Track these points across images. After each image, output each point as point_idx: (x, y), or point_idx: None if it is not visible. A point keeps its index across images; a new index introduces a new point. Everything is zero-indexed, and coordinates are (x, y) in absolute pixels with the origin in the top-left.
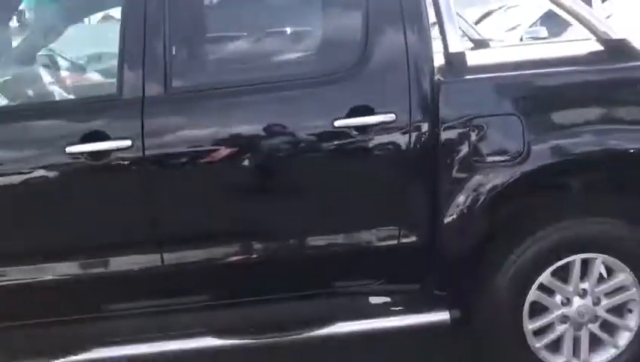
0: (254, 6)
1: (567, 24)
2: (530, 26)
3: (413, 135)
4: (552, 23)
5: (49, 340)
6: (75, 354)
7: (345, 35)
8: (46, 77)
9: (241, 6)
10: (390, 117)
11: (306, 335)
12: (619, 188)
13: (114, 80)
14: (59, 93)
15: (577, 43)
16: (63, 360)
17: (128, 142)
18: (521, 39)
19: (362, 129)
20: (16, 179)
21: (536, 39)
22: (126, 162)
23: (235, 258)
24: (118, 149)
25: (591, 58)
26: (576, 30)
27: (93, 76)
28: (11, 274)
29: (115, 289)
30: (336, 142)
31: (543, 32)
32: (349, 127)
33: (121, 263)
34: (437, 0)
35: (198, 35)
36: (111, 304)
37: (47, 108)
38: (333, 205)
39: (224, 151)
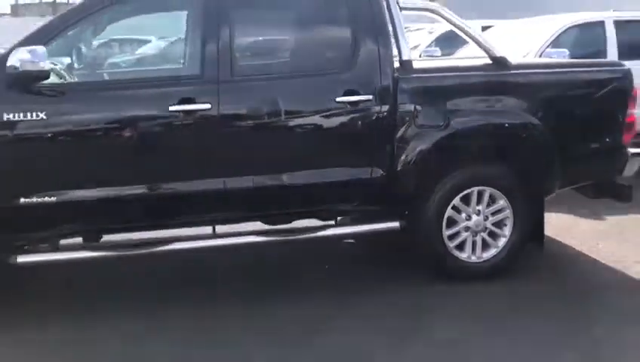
0: (288, 20)
1: (454, 46)
2: (427, 46)
3: (383, 109)
4: (444, 44)
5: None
6: (157, 246)
7: (342, 45)
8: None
9: (281, 20)
10: (369, 97)
11: (310, 235)
12: (499, 147)
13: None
14: (162, 70)
15: (473, 58)
16: (150, 249)
17: (209, 105)
18: (420, 56)
19: (352, 103)
20: (135, 125)
21: (433, 57)
22: (207, 118)
23: (269, 184)
24: (203, 110)
25: (484, 67)
26: (464, 50)
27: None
28: (127, 191)
29: (193, 203)
30: (336, 111)
31: (438, 52)
32: (344, 102)
33: (199, 185)
34: (394, 21)
35: (251, 37)
36: (190, 214)
37: (157, 80)
38: (333, 150)
39: (267, 113)
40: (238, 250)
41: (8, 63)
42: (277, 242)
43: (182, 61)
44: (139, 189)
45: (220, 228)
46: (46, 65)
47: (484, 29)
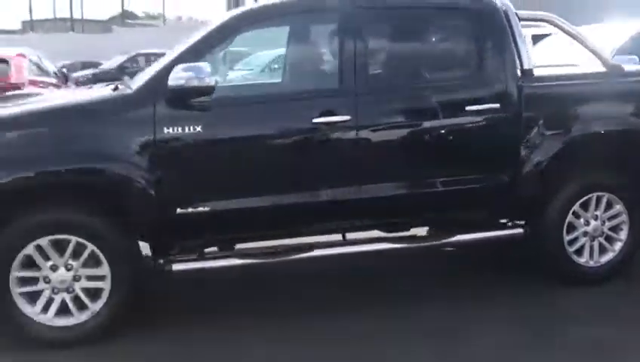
0: (417, 33)
1: None
2: None
3: (508, 117)
4: None
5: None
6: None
7: (469, 56)
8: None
9: (410, 33)
10: (496, 105)
11: (435, 243)
12: (618, 154)
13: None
14: (307, 83)
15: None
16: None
17: (348, 117)
18: None
19: (480, 112)
20: (281, 138)
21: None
22: (346, 129)
23: (401, 192)
24: (343, 121)
25: (601, 74)
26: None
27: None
28: (272, 200)
29: (328, 211)
30: (465, 120)
31: None
32: (473, 111)
33: (335, 193)
34: (514, 32)
35: (383, 50)
36: (324, 222)
37: (299, 94)
38: (461, 158)
39: (401, 123)
40: (355, 260)
41: (171, 81)
42: (399, 249)
43: (317, 74)
44: (284, 198)
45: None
46: (212, 81)
47: (536, 37)
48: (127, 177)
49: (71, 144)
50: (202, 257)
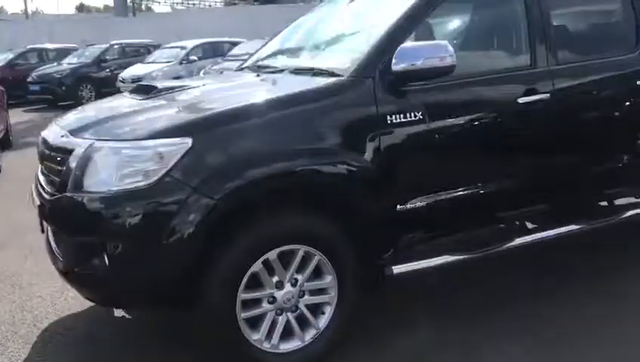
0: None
1: None
2: None
3: None
4: None
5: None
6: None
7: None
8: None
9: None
10: None
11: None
12: None
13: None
14: (506, 61)
15: None
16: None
17: (548, 95)
18: None
19: None
20: (495, 121)
21: None
22: (548, 105)
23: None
24: (542, 100)
25: None
26: None
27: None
28: (485, 189)
29: (526, 197)
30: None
31: None
32: None
33: (536, 176)
34: None
35: (564, 26)
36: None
37: (501, 77)
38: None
39: (590, 99)
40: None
41: (398, 63)
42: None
43: (512, 51)
44: (498, 187)
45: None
46: (454, 59)
47: None
48: (352, 174)
49: (291, 141)
50: (418, 257)
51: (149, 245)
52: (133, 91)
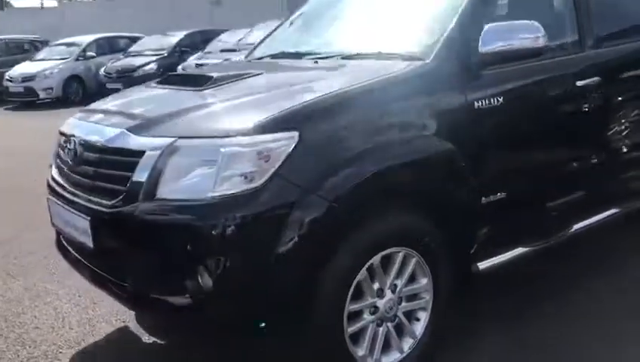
0: None
1: None
2: None
3: None
4: None
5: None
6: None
7: None
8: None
9: None
10: None
11: None
12: None
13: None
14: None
15: None
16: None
17: (598, 78)
18: None
19: None
20: (558, 103)
21: None
22: (599, 88)
23: None
24: (594, 82)
25: None
26: None
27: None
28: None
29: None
30: None
31: None
32: None
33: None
34: None
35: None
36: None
37: (561, 60)
38: None
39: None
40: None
41: (487, 44)
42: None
43: (560, 30)
44: (566, 171)
45: None
46: (545, 40)
47: None
48: (445, 166)
49: (393, 132)
50: (496, 251)
51: (259, 258)
52: (168, 82)
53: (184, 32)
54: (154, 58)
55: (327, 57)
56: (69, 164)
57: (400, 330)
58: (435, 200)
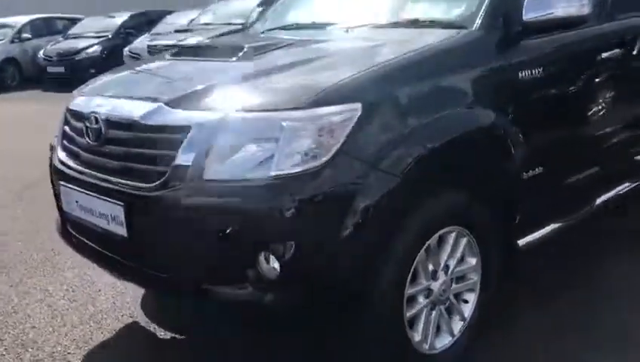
0: None
1: None
2: None
3: None
4: None
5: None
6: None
7: None
8: None
9: None
10: None
11: None
12: None
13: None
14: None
15: None
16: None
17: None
18: None
19: None
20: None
21: None
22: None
23: None
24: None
25: None
26: None
27: None
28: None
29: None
30: None
31: None
32: None
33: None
34: None
35: None
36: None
37: (588, 31)
38: None
39: None
40: None
41: (531, 12)
42: None
43: None
44: (601, 143)
45: None
46: (591, 7)
47: None
48: (495, 138)
49: (449, 103)
50: (533, 227)
51: (325, 242)
52: (187, 54)
53: (128, 14)
54: (97, 40)
55: (356, 27)
56: (90, 144)
57: (450, 313)
58: (484, 175)
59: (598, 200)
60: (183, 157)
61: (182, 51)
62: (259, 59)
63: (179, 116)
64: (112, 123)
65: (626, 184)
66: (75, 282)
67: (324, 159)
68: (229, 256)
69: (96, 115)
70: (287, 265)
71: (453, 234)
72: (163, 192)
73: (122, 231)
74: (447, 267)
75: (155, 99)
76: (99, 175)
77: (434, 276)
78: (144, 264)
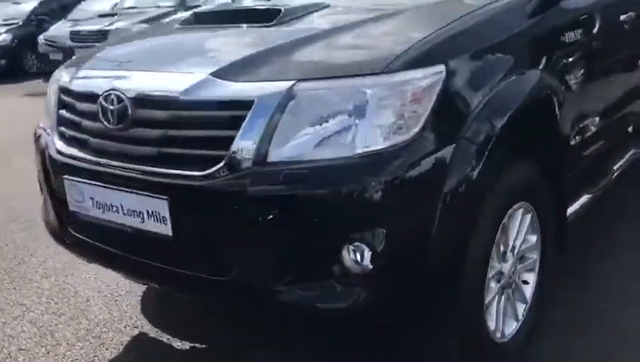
0: None
1: None
2: None
3: None
4: None
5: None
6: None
7: None
8: None
9: None
10: None
11: None
12: None
13: None
14: None
15: None
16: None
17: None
18: None
19: None
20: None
21: None
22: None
23: None
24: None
25: None
26: None
27: None
28: None
29: None
30: None
31: None
32: None
33: None
34: None
35: None
36: None
37: None
38: None
39: None
40: None
41: None
42: None
43: None
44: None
45: None
46: None
47: None
48: (553, 104)
49: (519, 68)
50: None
51: (421, 226)
52: (208, 21)
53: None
54: (6, 28)
55: None
56: (109, 128)
57: (513, 296)
58: (546, 143)
59: (615, 168)
60: (245, 138)
61: (200, 18)
62: (305, 23)
63: (234, 88)
64: (141, 101)
65: (632, 151)
66: (55, 292)
67: (415, 130)
68: (309, 252)
69: (118, 93)
70: (381, 257)
71: (521, 211)
72: (221, 181)
73: (165, 229)
74: (513, 248)
75: (195, 71)
76: (125, 165)
77: (504, 258)
78: (196, 267)
